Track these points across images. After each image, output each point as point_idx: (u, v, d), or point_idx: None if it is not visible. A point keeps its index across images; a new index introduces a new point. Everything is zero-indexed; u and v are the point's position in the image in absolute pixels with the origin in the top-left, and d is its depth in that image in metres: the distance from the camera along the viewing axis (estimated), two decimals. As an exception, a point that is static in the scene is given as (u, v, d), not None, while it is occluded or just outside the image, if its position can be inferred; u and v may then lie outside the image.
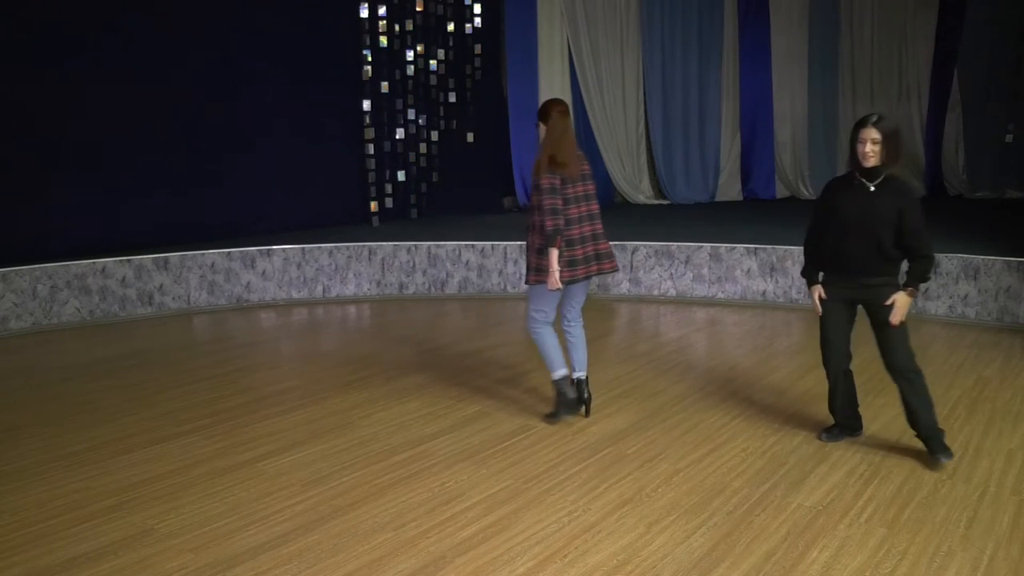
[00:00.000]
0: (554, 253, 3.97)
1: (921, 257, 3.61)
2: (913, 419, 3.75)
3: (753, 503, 3.37)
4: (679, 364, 5.42)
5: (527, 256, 4.17)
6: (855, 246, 3.62)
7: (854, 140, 3.57)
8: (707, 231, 8.10)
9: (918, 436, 3.78)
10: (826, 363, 3.93)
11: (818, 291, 3.82)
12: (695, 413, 4.47)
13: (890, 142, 3.50)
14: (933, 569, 2.85)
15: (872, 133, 3.49)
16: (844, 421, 4.03)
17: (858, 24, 11.82)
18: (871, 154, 3.50)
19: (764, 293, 7.21)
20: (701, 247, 7.31)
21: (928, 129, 11.64)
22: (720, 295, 7.33)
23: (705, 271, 7.32)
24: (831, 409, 4.05)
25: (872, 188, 3.58)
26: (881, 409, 4.49)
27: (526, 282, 4.21)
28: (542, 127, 4.12)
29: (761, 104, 11.86)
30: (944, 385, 4.83)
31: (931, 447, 3.72)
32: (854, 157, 3.59)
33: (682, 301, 7.32)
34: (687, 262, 7.37)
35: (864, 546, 3.01)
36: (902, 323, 3.64)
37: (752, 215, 9.80)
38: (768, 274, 7.16)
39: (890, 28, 11.68)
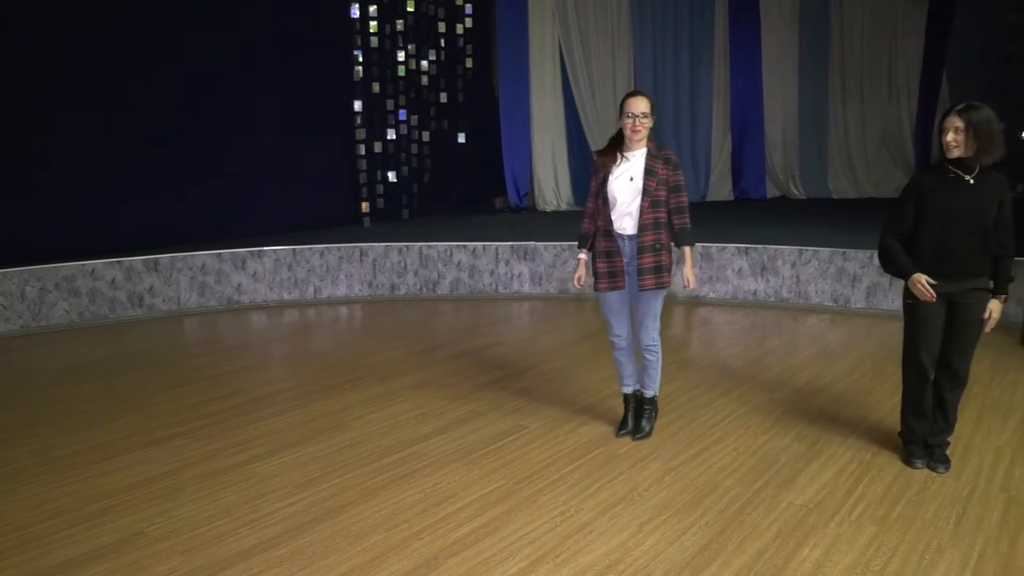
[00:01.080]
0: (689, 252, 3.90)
1: (1007, 256, 3.46)
2: (941, 427, 3.68)
3: (745, 502, 3.38)
4: (671, 364, 5.43)
5: (657, 255, 3.81)
6: (960, 241, 3.39)
7: (939, 130, 3.42)
8: (698, 231, 8.02)
9: (929, 443, 3.72)
10: (913, 366, 3.65)
11: (923, 278, 3.45)
12: (686, 412, 4.48)
13: (979, 132, 3.28)
14: (923, 566, 2.87)
15: (955, 122, 3.31)
16: (923, 431, 3.74)
17: (848, 25, 11.89)
18: (953, 144, 3.33)
19: (755, 292, 7.23)
20: (692, 246, 7.31)
21: (918, 129, 11.72)
22: (711, 294, 7.35)
23: (696, 270, 7.33)
24: (911, 426, 3.75)
25: (971, 181, 3.38)
26: (872, 407, 4.52)
27: (658, 285, 3.84)
28: (653, 118, 3.84)
29: (752, 104, 11.90)
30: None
31: (936, 456, 3.69)
32: (941, 148, 3.41)
33: (673, 301, 7.34)
34: (678, 262, 7.36)
35: (855, 543, 3.02)
36: (981, 330, 3.52)
37: (743, 215, 9.83)
38: (759, 274, 7.19)
39: (880, 29, 11.76)
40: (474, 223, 9.18)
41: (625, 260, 3.87)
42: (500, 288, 7.74)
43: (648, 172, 3.77)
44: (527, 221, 9.49)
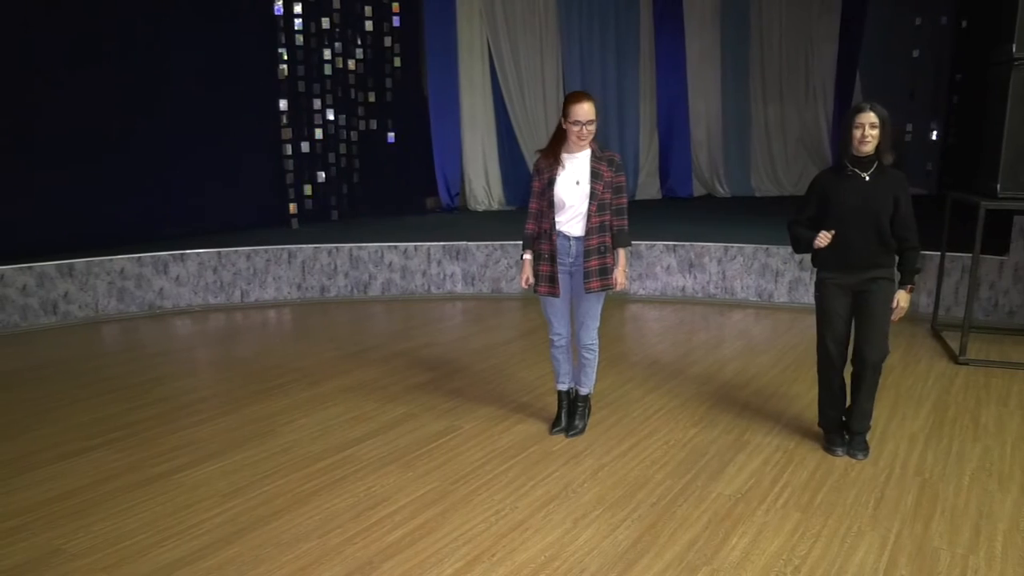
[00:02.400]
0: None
1: (912, 248, 3.63)
2: (857, 414, 3.78)
3: (676, 494, 3.45)
4: (601, 361, 5.46)
5: (603, 258, 3.87)
6: (857, 236, 3.57)
7: (849, 126, 3.53)
8: (628, 229, 8.22)
9: (848, 431, 3.85)
10: (823, 356, 3.82)
11: (823, 231, 3.61)
12: (618, 408, 4.54)
13: (886, 128, 3.49)
14: (844, 549, 2.98)
15: (871, 117, 3.47)
16: (838, 419, 3.90)
17: (767, 28, 12.26)
18: (870, 139, 3.47)
19: (683, 289, 7.39)
20: (627, 248, 7.42)
21: (834, 128, 12.17)
22: (641, 291, 7.48)
23: (627, 271, 7.44)
24: (828, 415, 3.91)
25: (867, 178, 3.57)
26: (794, 399, 4.67)
27: (603, 287, 3.90)
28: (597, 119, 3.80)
29: (677, 105, 12.14)
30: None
31: (855, 443, 3.82)
32: (847, 145, 3.56)
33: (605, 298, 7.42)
34: (609, 260, 7.47)
35: (781, 530, 3.12)
36: (888, 318, 3.66)
37: (671, 213, 10.03)
38: (687, 270, 7.35)
39: (796, 32, 12.17)
40: (405, 223, 9.11)
41: (570, 260, 3.89)
42: (433, 289, 7.70)
43: (594, 175, 3.79)
44: (459, 221, 9.47)
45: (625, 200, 3.92)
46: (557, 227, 3.86)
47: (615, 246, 3.92)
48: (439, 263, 7.66)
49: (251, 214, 8.67)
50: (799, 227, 3.77)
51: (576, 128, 3.73)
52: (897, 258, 3.69)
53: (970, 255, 5.45)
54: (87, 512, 3.33)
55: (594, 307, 3.97)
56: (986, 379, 5.03)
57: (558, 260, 3.89)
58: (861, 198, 3.56)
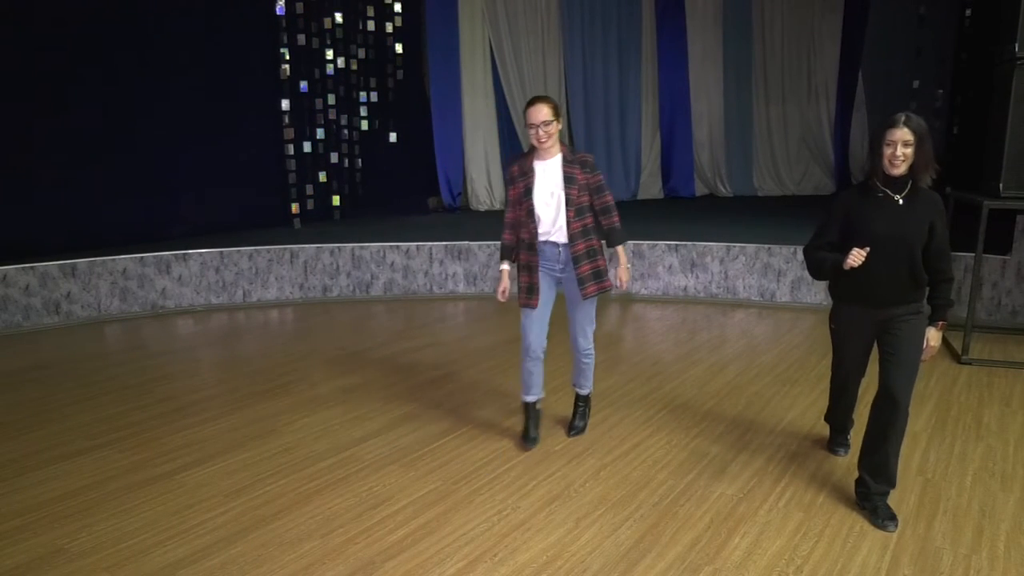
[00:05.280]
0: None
1: (946, 280, 3.19)
2: (880, 464, 3.19)
3: (678, 494, 3.45)
4: (604, 361, 5.50)
5: (593, 261, 3.79)
6: (885, 269, 3.10)
7: (879, 143, 3.03)
8: (630, 228, 8.16)
9: (865, 486, 3.24)
10: (838, 380, 3.59)
11: (856, 250, 3.06)
12: (620, 408, 4.54)
13: (924, 145, 2.98)
14: (847, 549, 2.98)
15: (904, 134, 2.96)
16: (845, 424, 3.81)
17: (769, 27, 12.25)
18: (902, 158, 2.98)
19: (685, 288, 7.38)
20: (624, 245, 7.42)
21: (836, 128, 12.17)
22: (643, 291, 7.48)
23: (629, 267, 7.44)
24: (836, 413, 3.76)
25: (900, 201, 3.07)
26: (797, 398, 4.67)
27: (600, 290, 3.81)
28: (560, 120, 3.70)
29: (679, 105, 12.14)
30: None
31: (879, 507, 3.18)
32: (877, 163, 3.06)
33: (606, 298, 7.43)
34: (610, 259, 7.46)
35: (783, 530, 3.12)
36: (919, 359, 3.19)
37: (673, 212, 10.02)
38: (689, 270, 7.34)
39: (799, 31, 12.16)
40: (407, 223, 9.11)
41: (560, 267, 3.82)
42: (435, 288, 7.70)
43: (567, 180, 3.69)
44: (461, 221, 9.47)
45: (610, 198, 3.82)
46: (543, 237, 3.77)
47: (611, 244, 3.86)
48: (441, 263, 7.66)
49: (253, 214, 8.67)
50: (819, 252, 3.28)
51: (532, 131, 3.63)
52: (927, 289, 3.21)
53: (973, 255, 5.45)
54: (89, 512, 3.33)
55: (590, 312, 3.92)
56: (989, 379, 5.02)
57: (544, 267, 3.81)
58: (893, 225, 3.07)
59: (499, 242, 4.14)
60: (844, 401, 3.69)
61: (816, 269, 3.34)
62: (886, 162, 3.01)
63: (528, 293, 3.81)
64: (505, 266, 3.90)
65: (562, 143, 3.77)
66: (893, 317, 3.18)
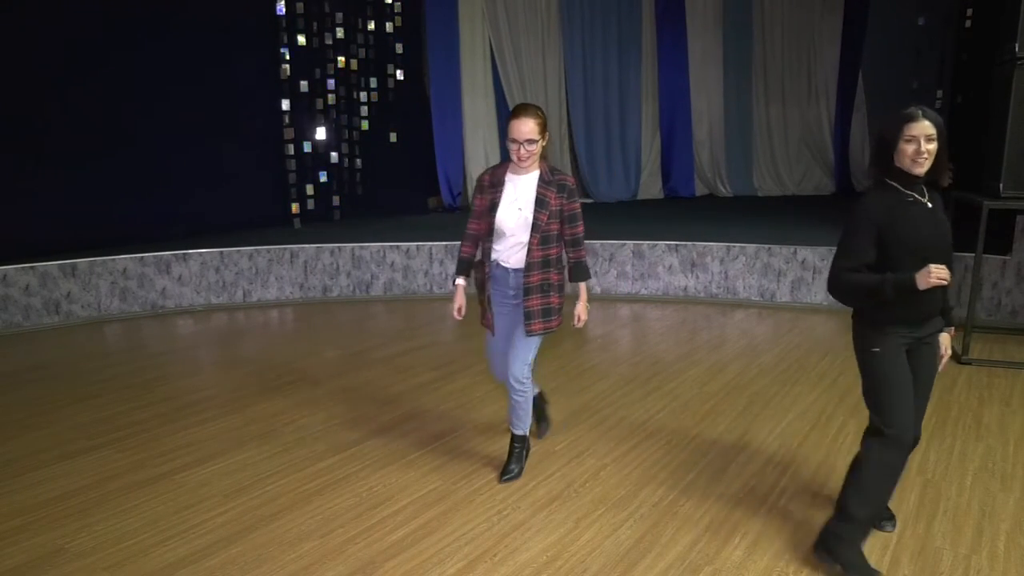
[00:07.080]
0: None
1: (949, 286, 2.78)
2: (861, 496, 2.76)
3: (677, 494, 3.45)
4: (604, 360, 5.50)
5: (546, 297, 3.39)
6: None
7: (895, 139, 2.63)
8: (630, 229, 8.25)
9: (838, 520, 2.81)
10: (899, 442, 2.75)
11: (931, 266, 2.54)
12: (620, 408, 4.54)
13: (943, 140, 2.64)
14: (847, 549, 2.97)
15: (926, 128, 2.59)
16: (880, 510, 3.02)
17: (769, 28, 12.25)
18: (926, 155, 2.60)
19: (685, 288, 7.38)
20: (624, 244, 7.44)
21: (836, 129, 12.18)
22: (643, 291, 7.48)
23: (628, 268, 7.46)
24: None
25: (930, 204, 2.71)
26: (797, 398, 4.67)
27: (546, 330, 3.43)
28: (546, 137, 3.31)
29: (679, 104, 12.14)
30: (853, 373, 5.05)
31: (842, 555, 2.75)
32: (895, 162, 2.67)
33: (606, 298, 7.43)
34: (611, 259, 7.49)
35: (782, 530, 3.12)
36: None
37: (673, 212, 10.02)
38: (689, 270, 7.34)
39: (799, 32, 12.17)
40: (407, 223, 9.11)
41: (512, 292, 3.45)
42: (435, 288, 7.70)
43: (539, 203, 3.29)
44: (461, 221, 9.44)
45: (581, 229, 3.43)
46: (493, 255, 3.42)
47: (572, 279, 3.52)
48: (441, 263, 7.66)
49: (253, 214, 8.67)
50: (855, 275, 2.70)
51: (514, 147, 3.23)
52: None
53: (972, 255, 5.44)
54: (89, 511, 3.33)
55: (530, 346, 3.47)
56: (989, 379, 5.02)
57: (496, 290, 3.47)
58: (933, 231, 2.69)
59: None
60: (894, 475, 2.83)
61: (867, 294, 2.69)
62: (908, 160, 2.62)
63: (487, 310, 3.52)
64: (460, 281, 3.57)
65: (543, 160, 3.38)
66: (923, 336, 2.81)
